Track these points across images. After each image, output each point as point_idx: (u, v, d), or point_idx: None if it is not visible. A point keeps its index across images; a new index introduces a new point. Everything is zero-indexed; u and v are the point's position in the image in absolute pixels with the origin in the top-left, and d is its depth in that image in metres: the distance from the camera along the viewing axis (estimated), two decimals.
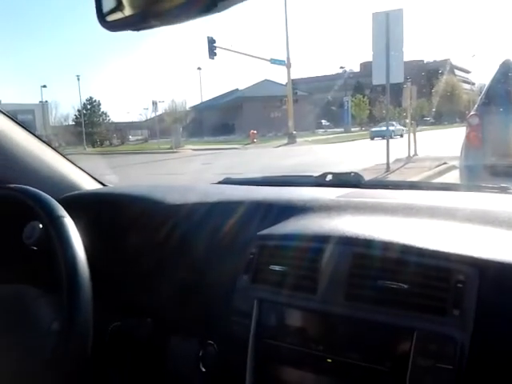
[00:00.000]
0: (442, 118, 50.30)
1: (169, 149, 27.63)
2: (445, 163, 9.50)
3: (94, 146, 38.13)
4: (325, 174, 1.40)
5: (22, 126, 1.48)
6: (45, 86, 53.35)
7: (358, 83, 58.36)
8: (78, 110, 46.49)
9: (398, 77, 9.21)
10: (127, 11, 0.73)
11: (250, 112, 45.83)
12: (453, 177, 7.72)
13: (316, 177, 1.43)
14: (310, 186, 1.38)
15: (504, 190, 1.12)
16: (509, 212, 0.92)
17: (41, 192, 1.02)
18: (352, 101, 46.87)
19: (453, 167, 8.07)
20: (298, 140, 29.15)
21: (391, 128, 31.85)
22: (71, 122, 47.54)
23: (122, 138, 43.62)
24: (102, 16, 0.76)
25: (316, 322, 0.90)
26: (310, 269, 0.92)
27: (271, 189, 1.38)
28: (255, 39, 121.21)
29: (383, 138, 28.92)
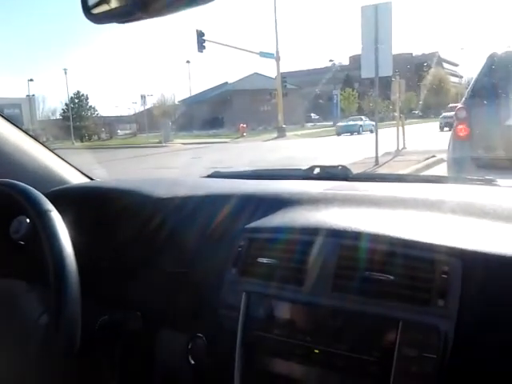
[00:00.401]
0: (429, 111, 50.51)
1: (158, 143, 27.52)
2: (433, 156, 9.57)
3: (82, 141, 37.82)
4: (312, 168, 1.40)
5: (9, 121, 1.47)
6: (32, 80, 52.98)
7: (347, 76, 58.45)
8: (66, 104, 46.15)
9: (386, 70, 9.24)
10: (113, 3, 0.73)
11: (240, 105, 45.77)
12: (441, 170, 7.78)
13: (304, 170, 1.44)
14: (297, 179, 1.38)
15: (489, 183, 1.14)
16: (493, 204, 0.94)
17: (28, 186, 1.01)
18: (341, 94, 46.94)
19: (441, 160, 8.14)
20: (288, 134, 29.15)
21: (359, 123, 30.22)
22: (59, 117, 47.17)
23: (111, 132, 43.31)
24: (87, 8, 0.76)
25: (304, 314, 0.91)
26: (297, 261, 0.93)
27: (259, 182, 1.39)
28: (244, 32, 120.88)
29: (351, 134, 27.77)
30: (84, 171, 1.62)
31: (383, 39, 8.98)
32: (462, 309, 0.76)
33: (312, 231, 0.94)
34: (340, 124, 31.60)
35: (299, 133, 30.66)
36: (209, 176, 1.59)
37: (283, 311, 0.93)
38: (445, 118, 24.60)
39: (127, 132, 48.16)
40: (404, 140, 12.41)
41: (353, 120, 31.91)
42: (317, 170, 1.40)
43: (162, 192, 1.29)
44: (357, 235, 0.89)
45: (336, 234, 0.92)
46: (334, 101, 44.57)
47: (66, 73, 48.61)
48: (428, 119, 42.63)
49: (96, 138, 40.95)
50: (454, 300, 0.77)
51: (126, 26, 0.75)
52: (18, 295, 1.00)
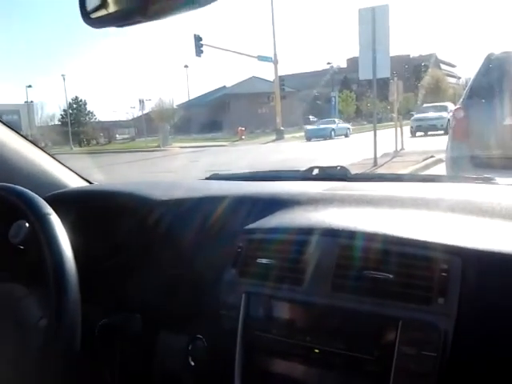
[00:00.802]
0: None
1: (156, 147, 27.51)
2: (432, 156, 9.58)
3: (80, 146, 37.78)
4: (311, 168, 1.41)
5: (8, 126, 1.48)
6: (30, 86, 52.82)
7: (345, 79, 58.47)
8: (64, 110, 46.15)
9: (384, 72, 9.27)
10: (111, 8, 0.73)
11: (238, 109, 45.76)
12: (440, 170, 7.78)
13: (303, 171, 1.44)
14: (296, 180, 1.39)
15: (487, 181, 1.14)
16: (492, 202, 0.94)
17: (27, 190, 1.01)
18: (339, 96, 46.94)
19: (440, 160, 8.14)
20: (286, 136, 29.07)
21: (331, 126, 27.14)
22: (57, 122, 47.11)
23: (109, 136, 43.25)
24: (85, 13, 0.76)
25: (303, 314, 0.91)
26: (296, 261, 0.93)
27: (258, 183, 1.39)
28: (242, 36, 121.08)
29: (325, 139, 24.86)
30: (83, 175, 1.62)
31: (381, 41, 9.01)
32: (461, 307, 0.76)
33: (311, 231, 0.95)
34: (309, 128, 28.11)
35: (297, 135, 30.61)
36: (207, 178, 1.60)
37: (283, 311, 0.93)
38: (418, 120, 21.24)
39: (126, 136, 48.11)
40: (402, 141, 12.43)
41: (324, 123, 28.75)
42: (316, 171, 1.40)
43: (160, 194, 1.29)
44: (356, 234, 0.89)
45: (335, 234, 0.92)
46: (332, 103, 44.57)
47: (64, 79, 48.42)
48: None
49: (94, 142, 40.90)
50: (453, 298, 0.77)
51: (124, 31, 0.76)
52: (17, 299, 1.00)
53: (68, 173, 1.57)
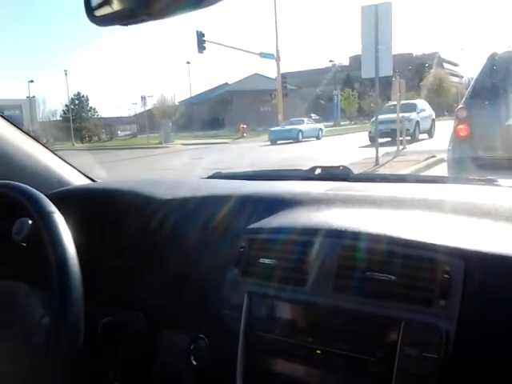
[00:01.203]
0: None
1: (158, 144, 27.49)
2: (433, 156, 9.57)
3: (82, 142, 37.75)
4: (314, 168, 1.41)
5: (10, 122, 1.48)
6: (32, 81, 52.83)
7: (348, 77, 58.38)
8: (66, 106, 46.10)
9: (386, 70, 9.25)
10: (116, 6, 0.73)
11: (240, 106, 45.73)
12: (441, 169, 7.78)
13: (305, 171, 1.44)
14: (299, 180, 1.39)
15: (490, 183, 1.14)
16: (494, 204, 0.94)
17: (30, 188, 1.01)
18: (341, 94, 46.86)
19: (441, 160, 8.13)
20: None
21: (298, 127, 23.82)
22: (59, 118, 47.12)
23: (111, 133, 43.20)
24: (90, 10, 0.76)
25: (305, 314, 0.91)
26: (299, 261, 0.93)
27: (261, 183, 1.39)
28: (245, 33, 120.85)
29: (294, 141, 21.86)
30: (85, 172, 1.62)
31: (383, 39, 8.98)
32: (463, 309, 0.76)
33: (313, 231, 0.95)
34: (273, 129, 24.38)
35: None
36: (210, 177, 1.60)
37: (285, 312, 0.94)
38: (379, 123, 12.39)
39: (127, 133, 48.13)
40: (404, 140, 12.42)
41: (291, 123, 25.36)
42: (318, 171, 1.40)
43: (163, 193, 1.29)
44: (358, 235, 0.89)
45: (337, 235, 0.92)
46: (335, 101, 44.46)
47: (66, 74, 48.70)
48: None
49: (96, 139, 40.87)
50: (455, 300, 0.77)
51: (127, 28, 0.76)
52: (19, 297, 1.00)
53: (71, 170, 1.57)
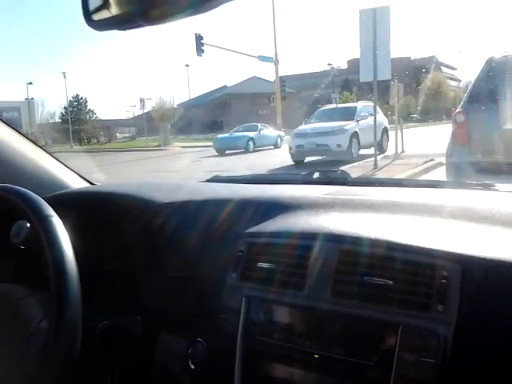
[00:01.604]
0: (428, 115, 50.53)
1: (157, 146, 27.47)
2: (432, 160, 9.58)
3: (81, 144, 37.70)
4: (312, 172, 1.41)
5: (8, 125, 1.48)
6: (31, 83, 52.68)
7: (346, 80, 58.46)
8: (65, 108, 46.06)
9: (385, 74, 9.26)
10: (114, 10, 0.73)
11: (239, 109, 45.74)
12: (440, 173, 7.79)
13: (303, 174, 1.44)
14: (297, 184, 1.39)
15: (488, 187, 1.14)
16: (492, 209, 0.94)
17: (28, 191, 1.01)
18: (339, 98, 46.87)
19: (440, 164, 8.14)
20: (287, 137, 28.91)
21: (249, 134, 19.83)
22: (58, 120, 47.10)
23: (110, 135, 43.15)
24: (88, 14, 0.76)
25: (303, 318, 0.91)
26: (297, 266, 0.93)
27: (259, 187, 1.39)
28: (243, 36, 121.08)
29: (246, 151, 18.23)
30: (83, 175, 1.62)
31: (381, 43, 9.00)
32: (461, 314, 0.76)
33: (312, 236, 0.95)
34: (220, 136, 20.91)
35: None
36: (208, 180, 1.60)
37: (283, 316, 0.94)
38: (301, 136, 12.09)
39: (126, 135, 48.06)
40: (402, 143, 12.43)
41: (241, 130, 21.42)
42: (316, 175, 1.40)
43: (162, 196, 1.29)
44: (356, 240, 0.89)
45: (335, 239, 0.92)
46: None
47: (65, 76, 48.54)
48: (426, 123, 42.59)
49: (95, 141, 40.82)
50: (453, 305, 0.77)
51: (125, 31, 0.76)
52: (17, 300, 1.00)
53: (69, 173, 1.57)
